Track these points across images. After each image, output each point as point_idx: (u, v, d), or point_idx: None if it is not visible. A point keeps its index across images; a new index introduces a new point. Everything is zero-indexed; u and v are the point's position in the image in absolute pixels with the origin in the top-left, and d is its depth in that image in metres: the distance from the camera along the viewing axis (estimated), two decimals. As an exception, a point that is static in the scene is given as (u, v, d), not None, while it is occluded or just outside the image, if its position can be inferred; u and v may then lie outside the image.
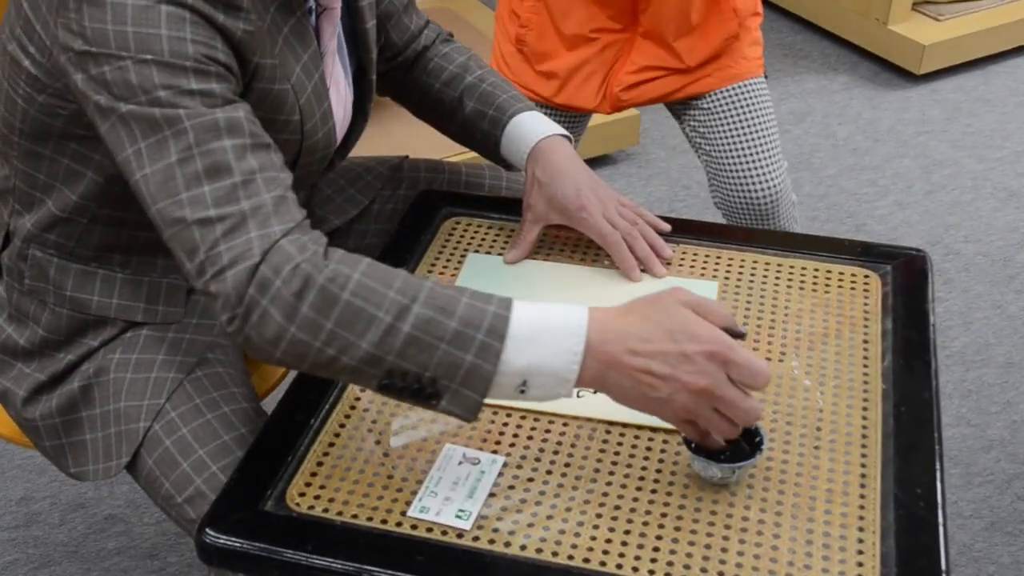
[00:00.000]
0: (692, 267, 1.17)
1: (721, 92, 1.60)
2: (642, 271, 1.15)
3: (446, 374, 0.82)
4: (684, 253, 1.20)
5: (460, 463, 0.94)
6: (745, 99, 1.60)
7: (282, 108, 0.98)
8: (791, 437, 0.96)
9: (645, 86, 1.61)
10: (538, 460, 0.94)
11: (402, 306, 0.81)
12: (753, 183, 1.59)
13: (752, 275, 1.17)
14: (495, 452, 0.95)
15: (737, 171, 1.60)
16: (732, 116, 1.60)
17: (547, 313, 0.83)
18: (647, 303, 0.86)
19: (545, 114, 1.35)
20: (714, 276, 1.16)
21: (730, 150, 1.60)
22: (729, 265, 1.18)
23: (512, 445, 0.96)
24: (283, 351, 0.83)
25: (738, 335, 0.86)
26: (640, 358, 0.82)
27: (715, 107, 1.61)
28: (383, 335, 0.81)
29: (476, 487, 0.91)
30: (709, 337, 0.83)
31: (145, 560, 1.66)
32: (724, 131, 1.60)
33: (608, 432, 0.97)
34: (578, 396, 0.99)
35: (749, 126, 1.59)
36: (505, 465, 0.94)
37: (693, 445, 0.90)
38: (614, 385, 0.84)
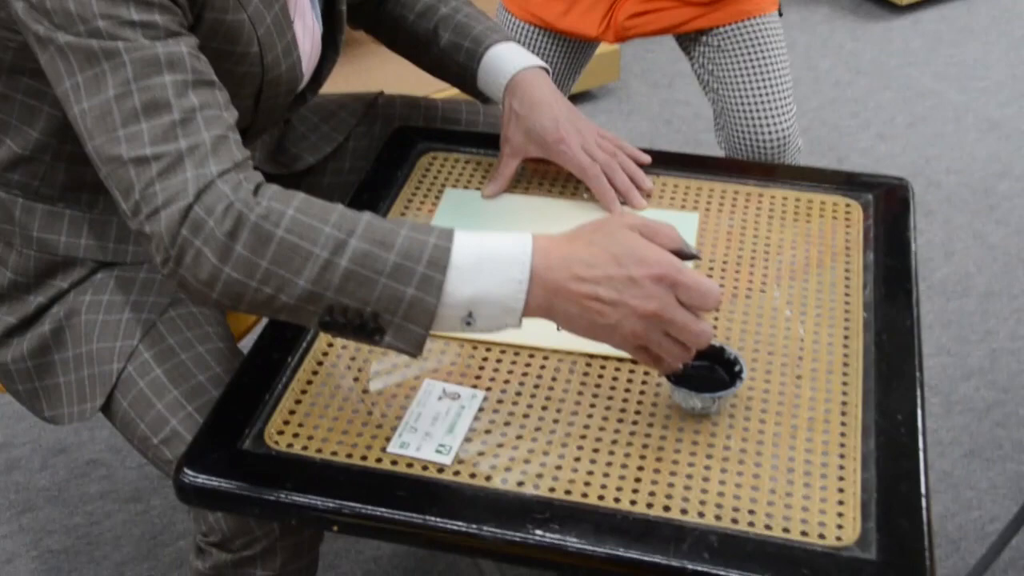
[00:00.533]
0: (672, 199, 1.17)
1: (732, 28, 1.53)
2: (622, 203, 1.14)
3: (388, 308, 0.80)
4: (664, 185, 1.19)
5: (440, 398, 0.93)
6: (757, 36, 1.52)
7: (238, 39, 0.95)
8: (772, 367, 0.96)
9: (651, 16, 1.55)
10: (519, 394, 0.94)
11: (339, 241, 0.80)
12: (761, 126, 1.54)
13: (733, 206, 1.15)
14: (475, 387, 0.94)
15: (745, 112, 1.54)
16: (743, 54, 1.52)
17: (490, 242, 0.82)
18: (593, 228, 0.84)
19: (548, 42, 1.31)
20: (695, 207, 1.15)
21: (739, 90, 1.53)
22: (710, 196, 1.17)
23: (492, 380, 0.95)
24: (219, 292, 0.82)
25: (689, 257, 0.85)
26: (586, 284, 0.81)
27: (725, 44, 1.54)
28: (320, 271, 0.80)
29: (456, 422, 0.91)
30: (656, 260, 0.81)
31: (128, 503, 1.66)
32: (734, 69, 1.53)
33: (588, 365, 0.97)
34: (558, 329, 0.97)
35: (761, 65, 1.52)
36: (485, 400, 0.93)
37: (673, 376, 0.89)
38: (561, 313, 0.83)
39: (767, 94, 1.53)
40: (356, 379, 0.96)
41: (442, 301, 0.80)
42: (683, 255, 0.85)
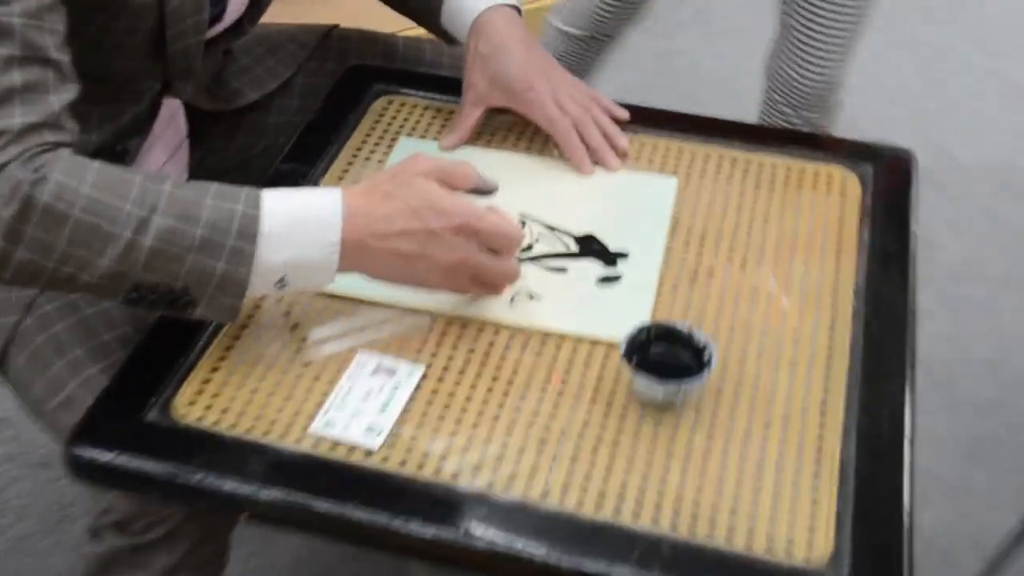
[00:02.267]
0: (651, 160, 1.14)
1: None
2: (594, 163, 1.12)
3: (198, 282, 0.83)
4: (642, 144, 1.16)
5: (374, 372, 0.91)
6: None
7: None
8: (747, 355, 0.93)
9: None
10: (462, 372, 0.91)
11: (140, 219, 0.81)
12: (812, 63, 1.60)
13: (717, 171, 1.13)
14: (415, 361, 0.92)
15: (798, 41, 1.59)
16: None
17: (300, 203, 0.85)
18: (388, 179, 0.89)
19: None
20: (674, 171, 1.13)
21: (804, 16, 1.57)
22: (692, 159, 1.14)
23: (434, 354, 0.93)
24: (13, 272, 0.81)
25: (488, 191, 0.93)
26: (388, 240, 0.86)
27: None
28: (124, 251, 0.81)
29: (390, 400, 0.89)
30: (453, 210, 0.87)
31: (36, 469, 1.62)
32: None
33: (543, 344, 0.94)
34: (511, 302, 0.96)
35: (837, 5, 1.55)
36: (424, 377, 0.91)
37: (634, 361, 0.87)
38: (371, 267, 0.88)
39: (825, 32, 1.57)
40: (284, 346, 0.93)
41: (254, 271, 0.83)
42: (483, 190, 0.93)
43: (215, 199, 0.83)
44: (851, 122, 2.31)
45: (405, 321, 0.96)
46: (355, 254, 0.87)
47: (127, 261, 0.81)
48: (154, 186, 0.82)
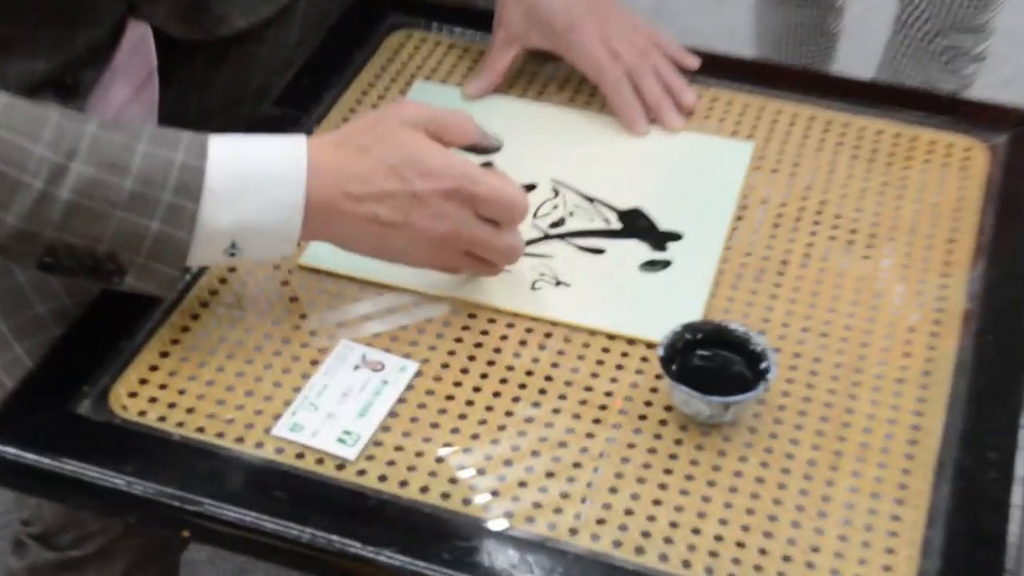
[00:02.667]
0: (722, 120, 1.13)
1: None
2: (650, 122, 1.12)
3: (127, 247, 0.82)
4: (714, 100, 1.15)
5: (357, 367, 0.91)
6: None
7: None
8: (821, 366, 0.91)
9: None
10: (464, 371, 0.91)
11: (55, 166, 0.80)
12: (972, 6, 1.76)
13: (805, 137, 1.11)
14: (407, 356, 0.92)
15: None
16: None
17: (256, 153, 0.85)
18: (364, 128, 0.88)
19: None
20: (751, 135, 1.12)
21: None
22: (775, 120, 1.13)
23: (433, 348, 0.92)
24: None
25: (490, 149, 0.92)
26: (363, 204, 0.86)
27: None
28: (34, 205, 0.79)
29: (373, 402, 0.88)
30: (443, 170, 0.87)
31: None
32: None
33: (567, 341, 0.93)
34: (533, 288, 0.96)
35: None
36: (419, 375, 0.90)
37: (674, 368, 0.86)
38: (341, 237, 0.89)
39: None
40: (249, 331, 0.93)
41: (196, 235, 0.83)
42: (483, 148, 0.92)
43: (150, 145, 0.82)
44: (982, 75, 2.23)
45: (399, 305, 0.95)
46: (322, 219, 0.86)
47: (38, 218, 0.80)
48: (74, 126, 0.81)
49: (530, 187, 1.04)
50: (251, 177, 0.84)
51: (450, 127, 0.89)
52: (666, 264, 0.98)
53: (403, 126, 0.88)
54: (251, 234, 0.85)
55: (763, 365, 0.85)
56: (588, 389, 0.89)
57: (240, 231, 0.84)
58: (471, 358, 0.91)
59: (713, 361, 0.87)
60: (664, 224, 1.01)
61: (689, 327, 0.87)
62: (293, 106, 1.12)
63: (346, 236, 0.88)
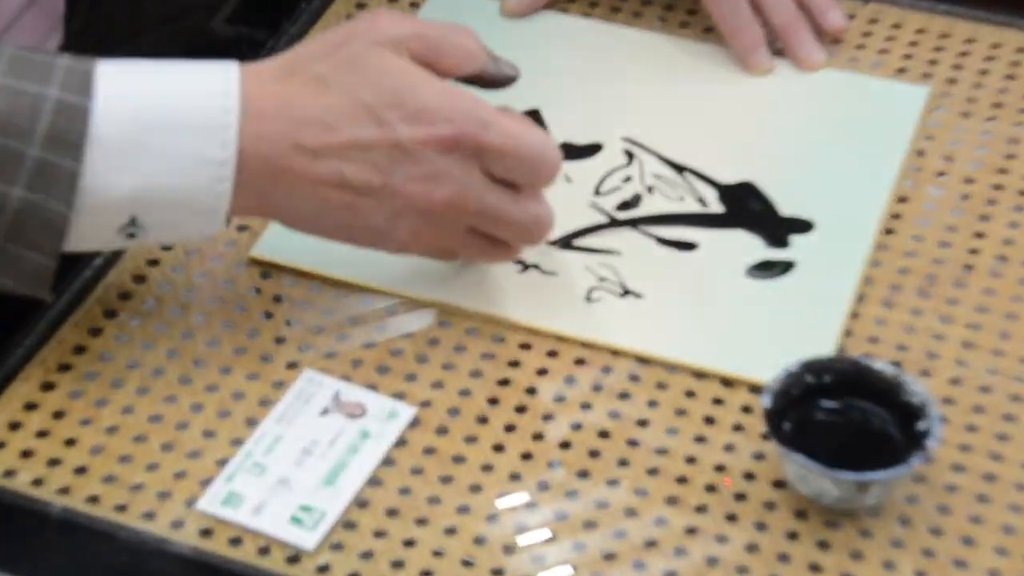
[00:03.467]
0: (883, 54, 1.14)
1: None
2: (774, 54, 1.15)
3: None
4: (871, 23, 1.19)
5: (326, 411, 0.92)
6: None
7: None
8: (1014, 428, 0.91)
9: None
10: (483, 421, 0.92)
11: None
12: None
13: (1009, 78, 1.13)
14: (400, 396, 0.93)
15: None
16: None
17: (163, 87, 0.85)
18: (325, 50, 0.89)
19: None
20: (925, 76, 1.14)
21: None
22: (962, 57, 1.16)
23: (437, 385, 0.94)
24: None
25: (503, 81, 0.93)
26: (322, 161, 0.86)
27: None
28: None
29: (347, 463, 0.90)
30: (439, 111, 0.87)
31: None
32: None
33: (634, 379, 0.94)
34: (588, 300, 0.97)
35: None
36: (415, 424, 0.92)
37: (788, 426, 0.86)
38: (292, 210, 0.89)
39: None
40: (173, 352, 0.95)
41: (78, 206, 0.84)
42: (491, 80, 0.93)
43: (9, 75, 0.83)
44: None
45: (390, 319, 0.97)
46: (262, 183, 0.87)
47: None
48: None
49: (591, 149, 1.05)
50: (157, 122, 0.84)
51: (446, 47, 0.90)
52: (787, 267, 0.98)
53: (379, 47, 0.88)
54: (158, 205, 0.85)
55: (922, 425, 0.85)
56: (661, 452, 0.90)
57: (142, 201, 0.85)
58: (492, 401, 0.92)
59: (847, 417, 0.87)
60: (787, 208, 1.02)
61: (812, 365, 0.87)
62: (252, 23, 1.14)
63: (297, 209, 0.89)
